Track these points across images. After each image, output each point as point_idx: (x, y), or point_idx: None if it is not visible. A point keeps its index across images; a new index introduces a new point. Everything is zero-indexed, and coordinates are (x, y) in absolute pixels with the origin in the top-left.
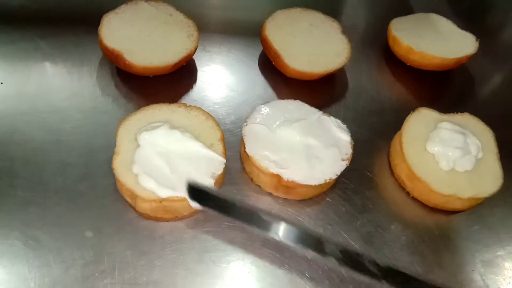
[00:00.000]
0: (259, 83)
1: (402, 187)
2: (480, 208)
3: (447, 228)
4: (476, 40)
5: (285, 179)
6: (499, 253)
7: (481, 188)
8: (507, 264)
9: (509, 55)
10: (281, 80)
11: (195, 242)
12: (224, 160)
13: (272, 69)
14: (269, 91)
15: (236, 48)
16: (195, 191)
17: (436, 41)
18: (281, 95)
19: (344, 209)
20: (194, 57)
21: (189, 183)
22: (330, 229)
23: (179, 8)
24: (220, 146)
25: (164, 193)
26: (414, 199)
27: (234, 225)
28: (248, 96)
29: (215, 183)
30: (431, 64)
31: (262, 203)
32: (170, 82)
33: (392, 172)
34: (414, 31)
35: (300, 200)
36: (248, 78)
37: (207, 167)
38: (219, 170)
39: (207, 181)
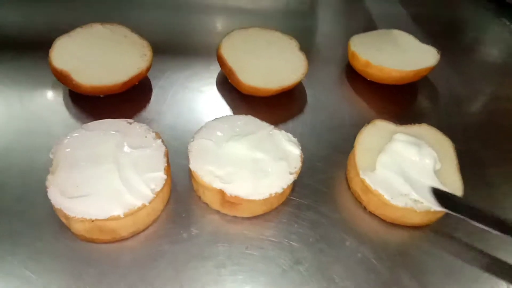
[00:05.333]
0: (216, 101)
1: (358, 202)
2: (441, 223)
3: (407, 244)
4: (438, 52)
5: (229, 194)
6: (463, 270)
7: None
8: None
9: (472, 68)
10: (238, 98)
11: (133, 266)
12: (165, 177)
13: (229, 87)
14: (226, 108)
15: (193, 68)
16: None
17: (395, 54)
18: (237, 112)
19: (296, 225)
20: (150, 76)
21: (433, 189)
22: (280, 247)
23: (134, 30)
24: None
25: (97, 213)
26: (371, 214)
27: (185, 246)
28: (205, 113)
29: (153, 199)
30: (390, 77)
31: (209, 221)
32: (123, 102)
33: (349, 187)
34: (373, 45)
35: (250, 217)
36: (205, 96)
37: (147, 183)
38: (159, 186)
39: (147, 196)
